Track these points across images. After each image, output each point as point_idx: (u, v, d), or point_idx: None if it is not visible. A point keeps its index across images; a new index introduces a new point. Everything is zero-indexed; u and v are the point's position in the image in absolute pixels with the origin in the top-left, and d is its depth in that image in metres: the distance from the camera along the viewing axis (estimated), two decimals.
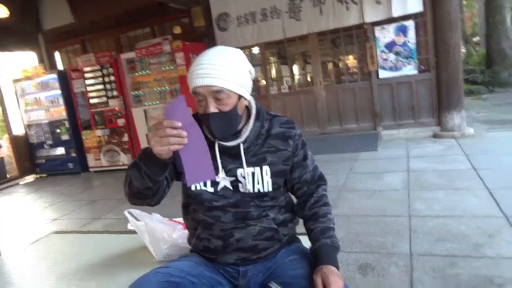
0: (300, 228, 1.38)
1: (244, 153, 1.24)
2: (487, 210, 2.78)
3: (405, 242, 2.45)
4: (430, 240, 2.43)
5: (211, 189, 1.25)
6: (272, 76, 6.95)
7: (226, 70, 1.11)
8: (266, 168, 1.26)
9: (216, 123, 1.16)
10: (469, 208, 2.86)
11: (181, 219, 1.62)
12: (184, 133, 0.99)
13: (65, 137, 6.81)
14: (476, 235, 2.42)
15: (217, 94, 1.12)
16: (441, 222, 2.67)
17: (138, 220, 1.85)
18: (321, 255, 1.19)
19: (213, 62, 1.12)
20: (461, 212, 2.80)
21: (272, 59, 7.16)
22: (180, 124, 0.99)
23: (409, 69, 5.60)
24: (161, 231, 1.76)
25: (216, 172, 1.24)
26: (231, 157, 1.25)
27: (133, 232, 1.97)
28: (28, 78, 6.86)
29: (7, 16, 6.53)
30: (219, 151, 1.24)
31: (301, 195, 1.36)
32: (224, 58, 1.13)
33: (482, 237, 2.38)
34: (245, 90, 1.19)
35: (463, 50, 14.47)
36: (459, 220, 2.67)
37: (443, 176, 3.69)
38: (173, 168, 1.26)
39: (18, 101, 7.03)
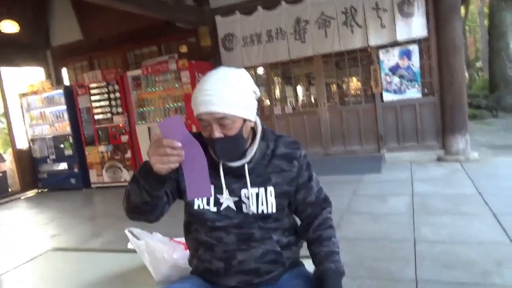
0: (304, 251, 1.35)
1: (248, 173, 1.22)
2: (494, 236, 2.72)
3: (410, 268, 2.39)
4: (437, 266, 2.37)
5: (214, 209, 1.23)
6: (276, 97, 6.98)
7: (229, 96, 1.10)
8: (270, 189, 1.24)
9: (221, 148, 1.15)
10: (476, 234, 2.80)
11: (182, 239, 1.59)
12: (183, 153, 1.00)
13: (68, 152, 6.82)
14: (484, 262, 2.35)
15: (221, 120, 1.11)
16: (447, 248, 2.61)
17: (138, 239, 1.81)
18: (325, 280, 1.15)
19: (216, 87, 1.10)
20: (468, 238, 2.74)
21: (276, 79, 7.21)
22: (180, 144, 0.99)
23: (413, 92, 5.61)
24: (162, 251, 1.71)
25: (220, 192, 1.22)
26: (236, 177, 1.23)
27: (133, 251, 1.92)
28: (34, 93, 6.93)
29: (18, 31, 6.65)
30: (223, 171, 1.22)
31: (305, 217, 1.32)
32: (227, 82, 1.11)
33: (490, 264, 2.32)
34: (250, 112, 1.17)
35: (466, 74, 14.57)
36: (466, 246, 2.61)
37: (448, 200, 3.63)
38: (175, 185, 1.24)
39: (23, 116, 7.08)
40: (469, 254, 2.48)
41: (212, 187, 1.22)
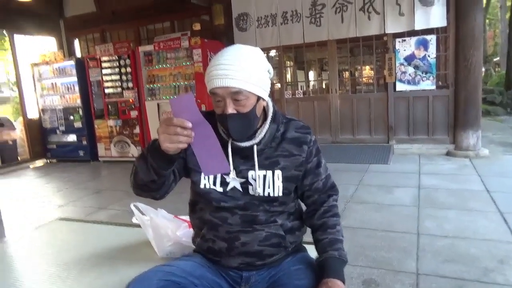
0: (306, 237, 1.34)
1: (257, 155, 1.21)
2: (499, 234, 2.70)
3: (412, 260, 2.39)
4: (438, 260, 2.37)
5: (220, 189, 1.22)
6: (288, 80, 6.91)
7: (245, 71, 1.08)
8: (278, 173, 1.23)
9: (234, 124, 1.13)
10: (480, 230, 2.78)
11: (186, 217, 1.60)
12: (193, 134, 0.98)
13: (77, 124, 6.86)
14: (486, 259, 2.34)
15: (235, 95, 1.10)
16: (450, 243, 2.60)
17: (143, 214, 1.83)
18: (328, 267, 1.16)
19: (232, 62, 1.08)
20: (472, 234, 2.72)
21: (289, 63, 7.12)
22: (190, 125, 0.97)
23: (427, 84, 5.51)
24: (166, 227, 1.73)
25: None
26: (244, 158, 1.22)
27: (137, 226, 1.95)
28: (46, 63, 6.94)
29: (31, 0, 6.61)
30: (232, 151, 1.21)
31: (311, 203, 1.32)
32: (243, 58, 1.10)
33: (493, 262, 2.31)
34: (264, 91, 1.16)
35: (482, 69, 14.26)
36: (469, 242, 2.60)
37: (454, 195, 3.60)
38: (183, 163, 1.24)
39: (35, 85, 7.11)
40: (472, 250, 2.47)
41: None
